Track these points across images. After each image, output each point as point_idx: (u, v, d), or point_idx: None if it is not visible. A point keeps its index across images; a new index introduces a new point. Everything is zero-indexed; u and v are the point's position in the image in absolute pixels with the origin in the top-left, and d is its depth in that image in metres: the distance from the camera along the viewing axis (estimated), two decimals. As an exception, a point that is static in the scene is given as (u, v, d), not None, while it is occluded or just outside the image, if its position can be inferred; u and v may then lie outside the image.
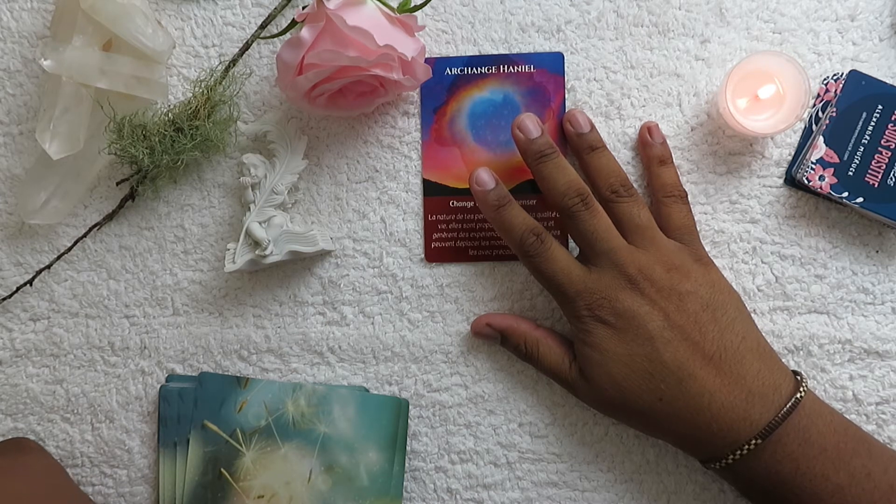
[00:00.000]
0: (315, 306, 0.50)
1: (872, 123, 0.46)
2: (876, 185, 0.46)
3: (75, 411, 0.51)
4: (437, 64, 0.50)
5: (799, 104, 0.45)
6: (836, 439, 0.42)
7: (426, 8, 0.49)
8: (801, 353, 0.48)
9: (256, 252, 0.47)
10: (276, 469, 0.48)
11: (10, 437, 0.51)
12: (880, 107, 0.46)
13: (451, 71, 0.50)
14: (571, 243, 0.49)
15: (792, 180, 0.48)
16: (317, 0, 0.43)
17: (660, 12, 0.49)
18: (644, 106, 0.49)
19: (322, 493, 0.48)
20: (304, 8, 0.44)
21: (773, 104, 0.47)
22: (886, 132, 0.46)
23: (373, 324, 0.50)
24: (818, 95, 0.48)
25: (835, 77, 0.48)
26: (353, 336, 0.50)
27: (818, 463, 0.41)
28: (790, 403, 0.42)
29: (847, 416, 0.45)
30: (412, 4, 0.47)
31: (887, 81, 0.46)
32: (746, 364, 0.43)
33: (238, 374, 0.50)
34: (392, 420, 0.49)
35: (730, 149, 0.49)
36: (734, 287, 0.46)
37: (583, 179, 0.45)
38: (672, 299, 0.43)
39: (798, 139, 0.48)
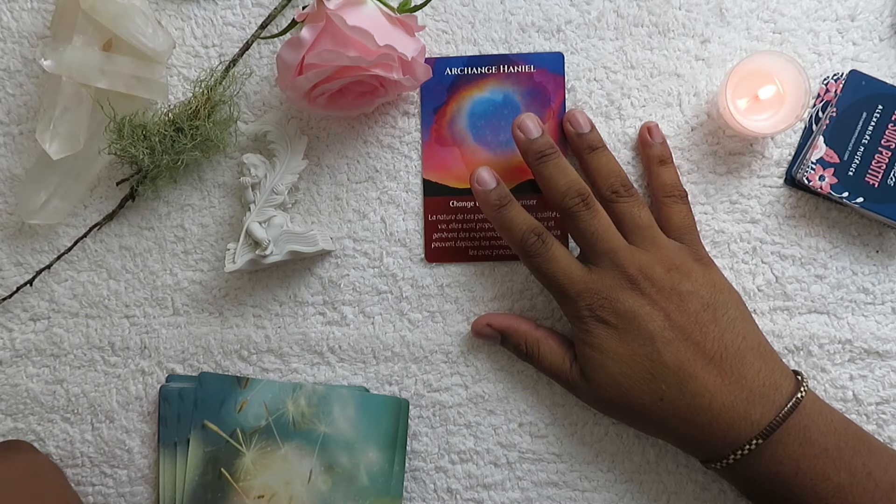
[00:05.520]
0: (315, 306, 0.50)
1: (872, 123, 0.46)
2: (876, 185, 0.46)
3: (75, 411, 0.51)
4: (437, 64, 0.50)
5: (799, 104, 0.45)
6: (837, 439, 0.42)
7: (426, 8, 0.49)
8: (802, 353, 0.48)
9: (256, 252, 0.46)
10: (276, 469, 0.48)
11: (10, 437, 0.51)
12: (880, 107, 0.46)
13: (451, 71, 0.50)
14: (572, 243, 0.49)
15: (792, 180, 0.48)
16: (317, 0, 0.43)
17: (660, 12, 0.49)
18: (644, 106, 0.49)
19: (322, 493, 0.48)
20: (304, 8, 0.44)
21: (773, 104, 0.47)
22: (886, 132, 0.46)
23: (373, 324, 0.50)
24: (818, 95, 0.48)
25: (835, 77, 0.48)
26: (353, 336, 0.50)
27: (819, 462, 0.41)
28: (791, 403, 0.42)
29: (847, 416, 0.45)
30: (412, 4, 0.47)
31: (887, 81, 0.46)
32: (747, 364, 0.43)
33: (238, 374, 0.50)
34: (392, 420, 0.49)
35: (730, 149, 0.49)
36: (734, 287, 0.46)
37: (583, 179, 0.45)
38: (673, 299, 0.43)
39: (798, 139, 0.48)
